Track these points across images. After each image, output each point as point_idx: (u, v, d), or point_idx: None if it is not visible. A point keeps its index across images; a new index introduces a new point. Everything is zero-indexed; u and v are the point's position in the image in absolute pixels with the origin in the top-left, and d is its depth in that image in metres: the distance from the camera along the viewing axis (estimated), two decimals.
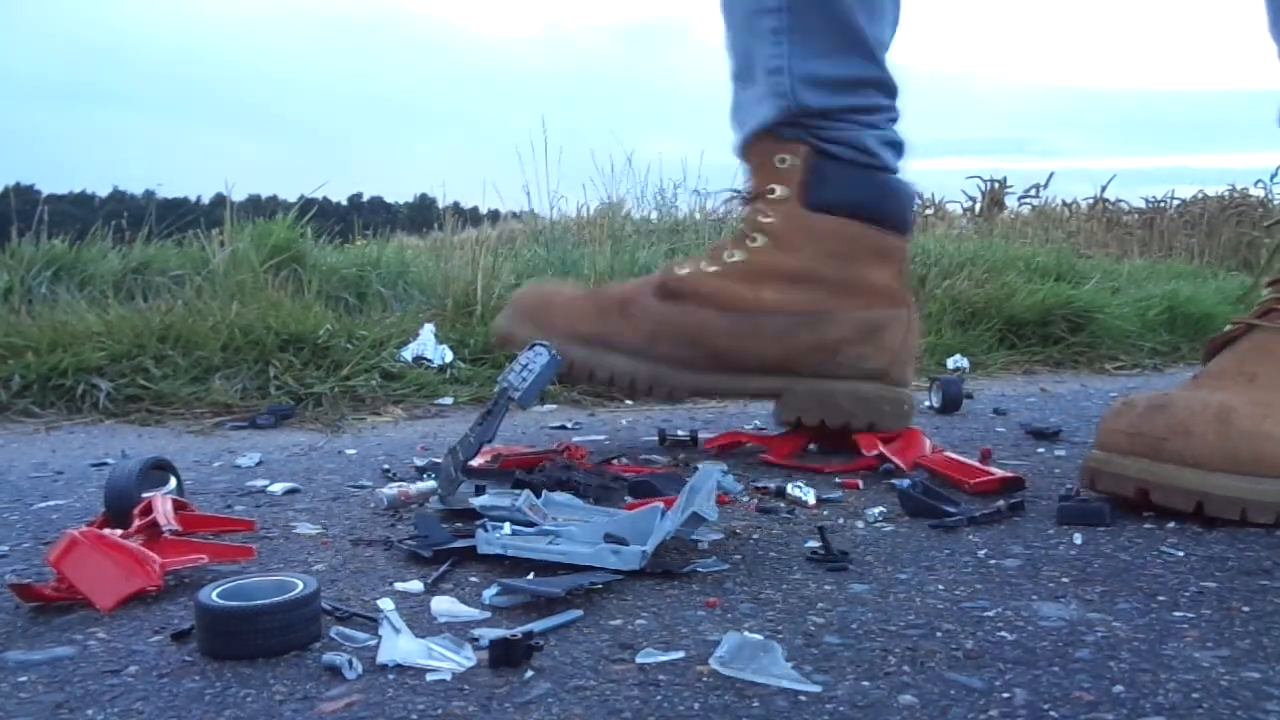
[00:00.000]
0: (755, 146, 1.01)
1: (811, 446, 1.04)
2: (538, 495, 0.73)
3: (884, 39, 1.02)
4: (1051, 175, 5.79)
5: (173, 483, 0.77)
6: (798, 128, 0.99)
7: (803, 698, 0.45)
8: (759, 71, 0.99)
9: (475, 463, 0.87)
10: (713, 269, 1.00)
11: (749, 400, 1.11)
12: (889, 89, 1.02)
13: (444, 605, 0.56)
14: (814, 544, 0.69)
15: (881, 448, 0.95)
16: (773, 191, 0.99)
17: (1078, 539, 0.71)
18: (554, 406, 1.43)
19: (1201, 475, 0.74)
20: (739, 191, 1.12)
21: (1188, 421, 0.75)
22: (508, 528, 0.67)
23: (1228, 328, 0.88)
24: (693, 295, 0.99)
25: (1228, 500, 0.73)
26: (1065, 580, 0.62)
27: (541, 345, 0.87)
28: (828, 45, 0.97)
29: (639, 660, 0.49)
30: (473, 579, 0.62)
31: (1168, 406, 0.76)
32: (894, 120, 1.03)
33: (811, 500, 0.82)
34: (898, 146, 1.03)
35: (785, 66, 0.97)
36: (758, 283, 0.99)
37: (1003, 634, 0.53)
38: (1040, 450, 1.06)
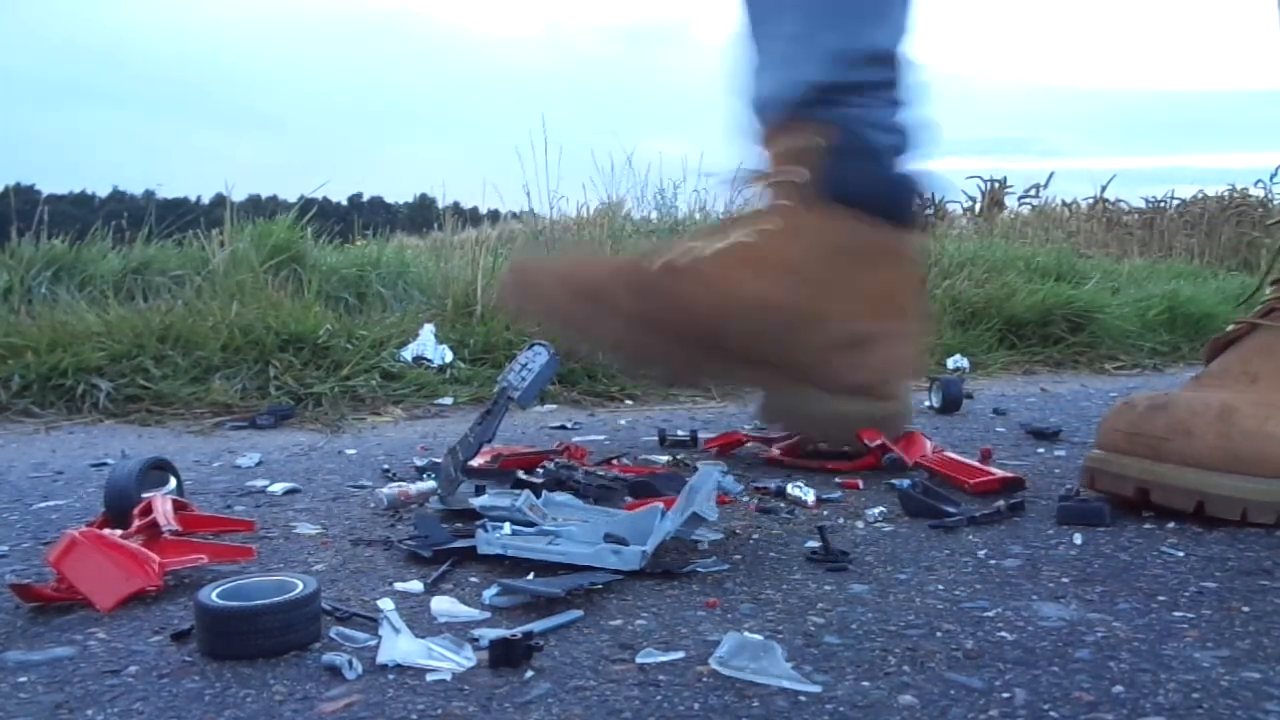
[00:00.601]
0: (778, 124, 0.93)
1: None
2: (538, 495, 0.73)
3: (912, 14, 0.95)
4: (1051, 175, 5.80)
5: (173, 483, 0.77)
6: (826, 105, 0.91)
7: (803, 698, 0.45)
8: (787, 39, 0.92)
9: (475, 463, 0.87)
10: (716, 247, 0.91)
11: (732, 390, 1.06)
12: (908, 70, 0.95)
13: (444, 605, 0.56)
14: (814, 544, 0.69)
15: (883, 439, 0.95)
16: (790, 175, 0.92)
17: (1078, 539, 0.71)
18: (554, 406, 1.43)
19: (1202, 475, 0.74)
20: (752, 169, 1.00)
21: (1188, 421, 0.75)
22: (508, 528, 0.67)
23: (1230, 327, 0.87)
24: (690, 272, 0.91)
25: (1228, 500, 0.73)
26: (1065, 580, 0.62)
27: (540, 345, 0.87)
28: (860, 13, 0.92)
29: (639, 660, 0.49)
30: (473, 579, 0.62)
31: (1168, 406, 0.76)
32: (907, 104, 0.96)
33: (811, 500, 0.82)
34: (910, 136, 0.96)
35: (812, 35, 0.90)
36: (759, 270, 0.91)
37: (1003, 634, 0.53)
38: (1040, 450, 1.06)
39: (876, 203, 0.92)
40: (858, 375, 0.94)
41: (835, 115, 0.91)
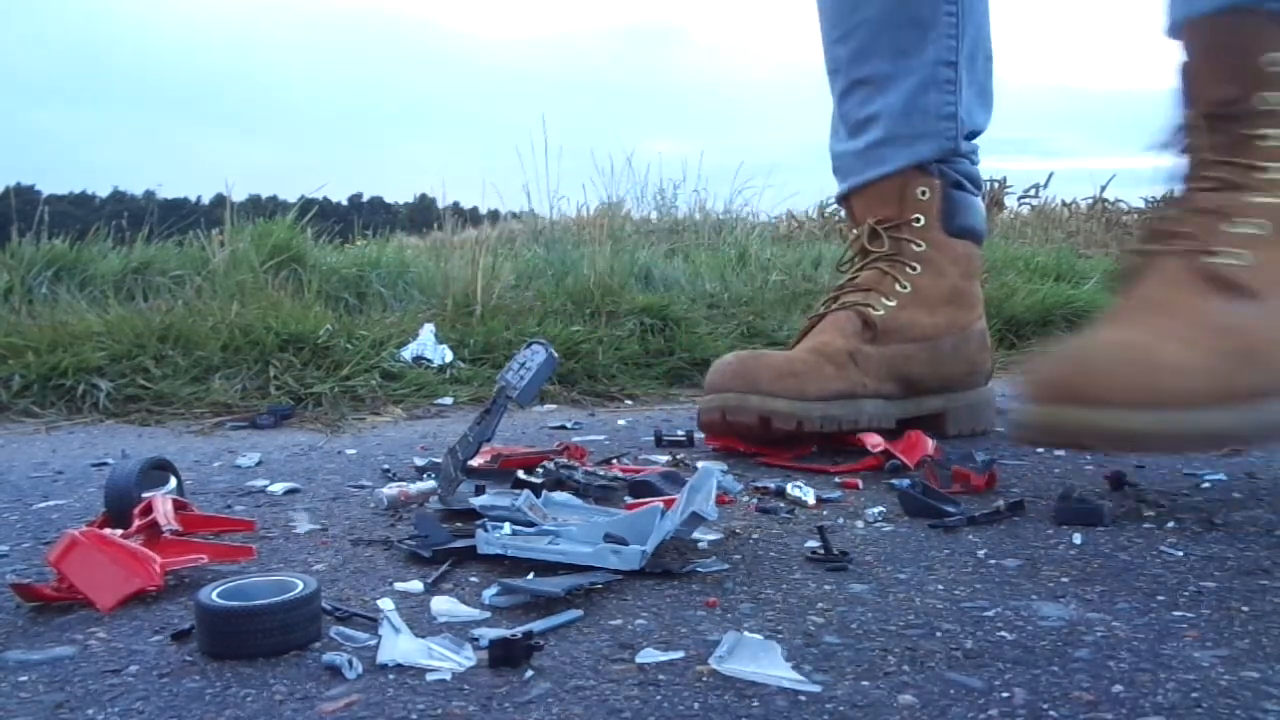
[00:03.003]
0: (893, 180, 1.13)
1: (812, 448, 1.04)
2: (538, 495, 0.73)
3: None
4: (1051, 175, 5.81)
5: (173, 483, 0.77)
6: (940, 164, 1.12)
7: (803, 698, 0.45)
8: (926, 116, 1.11)
9: (475, 462, 0.87)
10: (892, 303, 1.11)
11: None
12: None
13: (444, 605, 0.56)
14: (814, 544, 0.69)
15: (885, 444, 0.95)
16: (917, 221, 1.12)
17: (1077, 539, 0.71)
18: (554, 406, 1.43)
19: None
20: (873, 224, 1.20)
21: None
22: (508, 528, 0.67)
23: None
24: (895, 332, 1.09)
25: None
26: (1065, 580, 0.62)
27: (539, 343, 0.87)
28: (977, 98, 1.14)
29: (639, 660, 0.49)
30: (473, 579, 0.62)
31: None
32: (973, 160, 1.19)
33: (811, 500, 0.82)
34: (978, 177, 1.21)
35: (958, 114, 1.12)
36: (933, 308, 1.11)
37: (1002, 634, 0.53)
38: (1040, 450, 1.06)
39: (975, 229, 1.16)
40: (987, 366, 1.18)
41: (943, 170, 1.14)
